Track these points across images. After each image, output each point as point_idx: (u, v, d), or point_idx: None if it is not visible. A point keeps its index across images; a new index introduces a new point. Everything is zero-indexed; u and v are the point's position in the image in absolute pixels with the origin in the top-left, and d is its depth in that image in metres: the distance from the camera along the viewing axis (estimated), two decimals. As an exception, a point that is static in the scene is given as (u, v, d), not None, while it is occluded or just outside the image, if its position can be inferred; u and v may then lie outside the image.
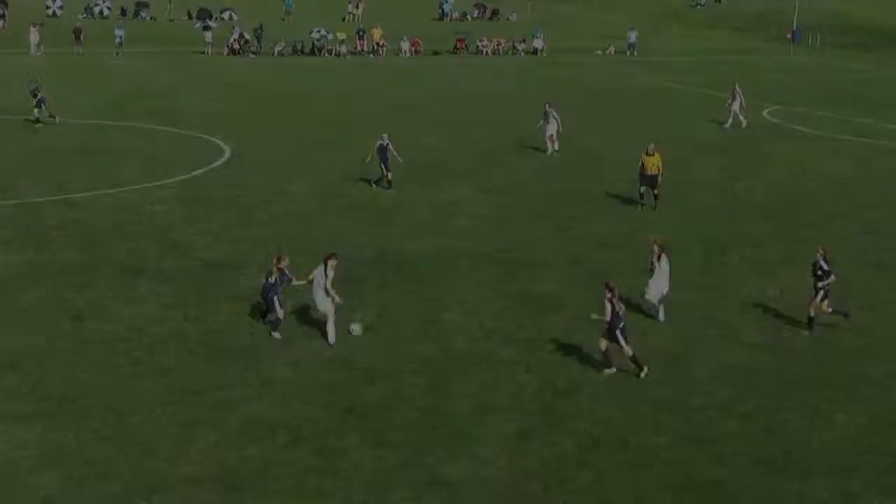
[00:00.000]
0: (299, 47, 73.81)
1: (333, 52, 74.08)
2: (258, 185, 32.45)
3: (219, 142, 39.33)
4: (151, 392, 17.61)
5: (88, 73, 59.04)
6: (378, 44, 75.56)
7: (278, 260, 20.50)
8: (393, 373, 18.65)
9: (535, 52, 79.09)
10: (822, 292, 20.62)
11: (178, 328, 20.54)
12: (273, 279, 20.27)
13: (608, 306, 18.47)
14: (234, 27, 75.64)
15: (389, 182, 31.96)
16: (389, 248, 26.28)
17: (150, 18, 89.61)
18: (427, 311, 21.68)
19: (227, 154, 37.21)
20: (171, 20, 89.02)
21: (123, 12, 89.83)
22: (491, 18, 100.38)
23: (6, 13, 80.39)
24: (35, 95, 41.51)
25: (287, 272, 20.46)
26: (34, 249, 25.30)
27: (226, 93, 52.73)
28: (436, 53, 76.25)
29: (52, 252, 25.17)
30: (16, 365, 18.51)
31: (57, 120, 41.47)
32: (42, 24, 70.50)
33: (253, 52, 72.36)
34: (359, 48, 75.55)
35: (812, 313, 20.83)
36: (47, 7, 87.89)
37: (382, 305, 22.04)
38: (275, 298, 20.13)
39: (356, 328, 20.23)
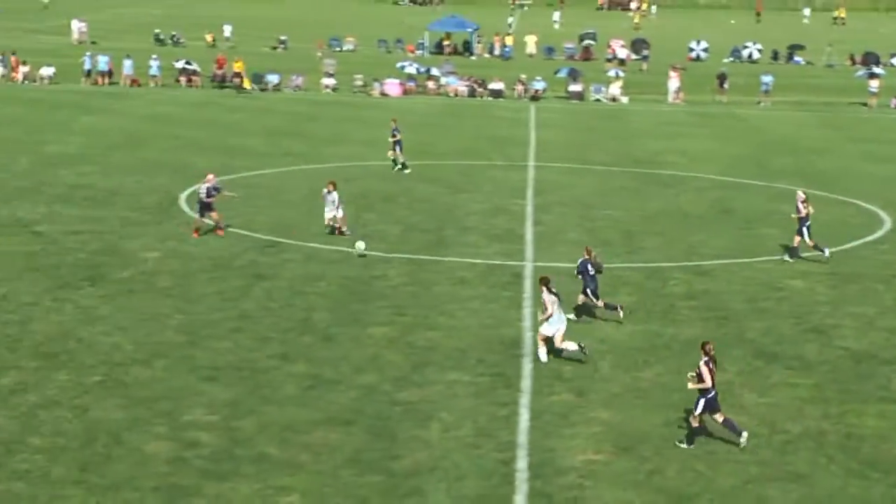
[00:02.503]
0: None
1: None
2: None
3: (877, 210, 38.61)
4: (780, 499, 17.68)
5: (729, 122, 60.90)
6: None
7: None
8: None
9: None
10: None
11: (815, 428, 20.46)
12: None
13: (705, 371, 19.24)
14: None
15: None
16: None
17: (806, 63, 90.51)
18: None
19: (888, 225, 36.42)
20: (829, 66, 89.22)
21: (775, 56, 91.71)
22: None
23: (649, 55, 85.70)
24: (393, 136, 43.61)
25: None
26: (659, 321, 26.57)
27: (883, 153, 51.56)
28: None
29: (677, 325, 26.26)
30: (631, 448, 19.53)
31: (406, 170, 43.46)
32: (683, 69, 73.91)
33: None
34: None
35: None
36: (690, 50, 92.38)
37: None
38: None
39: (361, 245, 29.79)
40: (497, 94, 67.95)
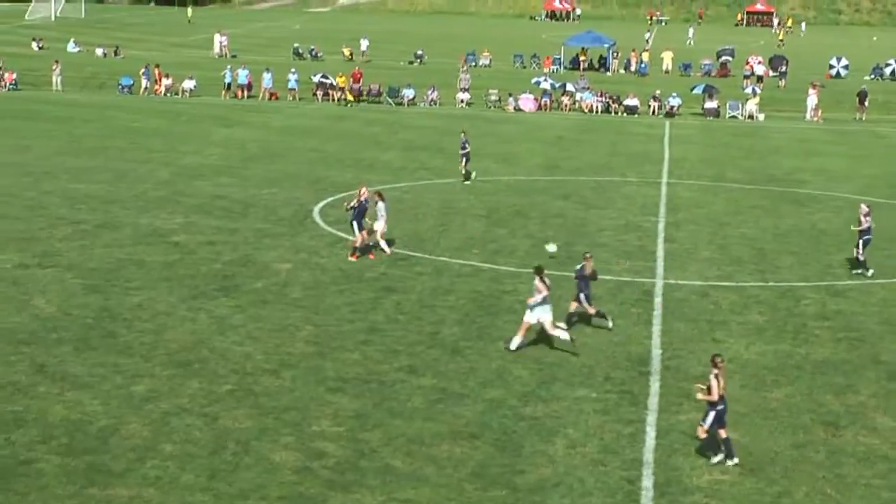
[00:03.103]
0: None
1: None
2: None
3: None
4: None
5: (868, 141, 59.60)
6: None
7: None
8: None
9: None
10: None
11: (951, 455, 19.90)
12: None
13: (714, 383, 19.04)
14: None
15: None
16: None
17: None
18: None
19: None
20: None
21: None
22: None
23: (787, 71, 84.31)
24: (463, 149, 43.31)
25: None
26: (790, 341, 26.09)
27: None
28: None
29: (809, 346, 25.76)
30: (759, 470, 19.20)
31: (471, 179, 43.69)
32: (822, 86, 72.50)
33: None
34: None
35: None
36: (830, 67, 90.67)
37: None
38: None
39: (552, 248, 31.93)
40: (632, 110, 67.48)
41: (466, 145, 43.68)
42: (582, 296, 26.43)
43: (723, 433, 19.50)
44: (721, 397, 19.37)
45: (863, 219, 31.64)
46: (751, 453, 19.86)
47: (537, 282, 24.84)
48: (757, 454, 19.84)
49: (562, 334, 24.83)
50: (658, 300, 28.98)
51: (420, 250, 33.26)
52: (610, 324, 26.49)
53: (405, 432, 20.40)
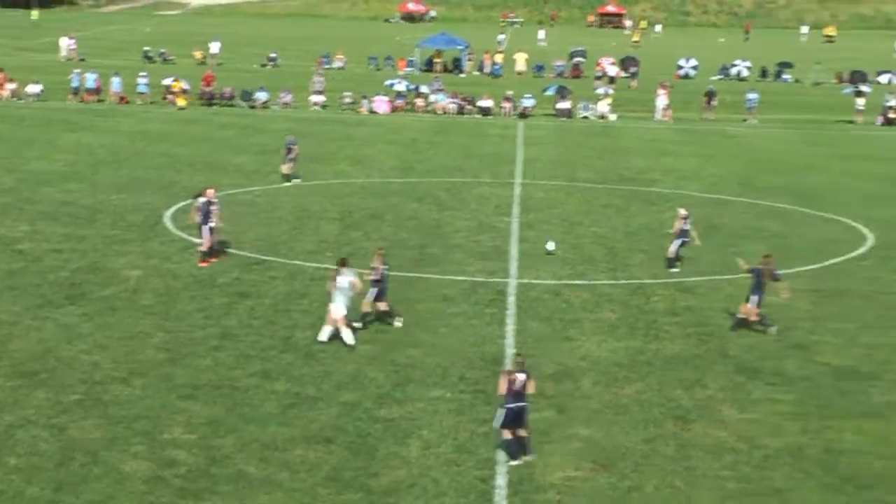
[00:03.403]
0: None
1: None
2: (907, 282, 31.46)
3: (860, 227, 38.68)
4: (759, 516, 17.75)
5: (716, 140, 61.05)
6: None
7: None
8: None
9: None
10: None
11: (794, 443, 20.54)
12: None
13: (502, 380, 19.51)
14: (889, 94, 73.55)
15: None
16: None
17: (794, 80, 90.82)
18: None
19: (870, 242, 36.50)
20: (816, 84, 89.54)
21: (764, 74, 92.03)
22: None
23: (638, 72, 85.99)
24: (289, 151, 44.03)
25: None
26: (641, 337, 26.59)
27: (867, 170, 51.68)
28: None
29: (660, 342, 26.28)
30: (611, 465, 19.53)
31: (290, 182, 43.98)
32: (672, 86, 74.06)
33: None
34: None
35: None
36: (679, 67, 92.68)
37: None
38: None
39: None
40: (486, 111, 68.01)
41: (293, 147, 43.73)
42: (373, 290, 26.78)
43: (506, 434, 19.62)
44: (517, 395, 19.52)
45: (682, 222, 32.09)
46: (603, 449, 20.19)
47: (337, 273, 25.41)
48: (609, 450, 20.17)
49: (347, 336, 25.19)
50: (512, 300, 29.25)
51: (274, 254, 33.03)
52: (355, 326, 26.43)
53: (259, 438, 20.25)
